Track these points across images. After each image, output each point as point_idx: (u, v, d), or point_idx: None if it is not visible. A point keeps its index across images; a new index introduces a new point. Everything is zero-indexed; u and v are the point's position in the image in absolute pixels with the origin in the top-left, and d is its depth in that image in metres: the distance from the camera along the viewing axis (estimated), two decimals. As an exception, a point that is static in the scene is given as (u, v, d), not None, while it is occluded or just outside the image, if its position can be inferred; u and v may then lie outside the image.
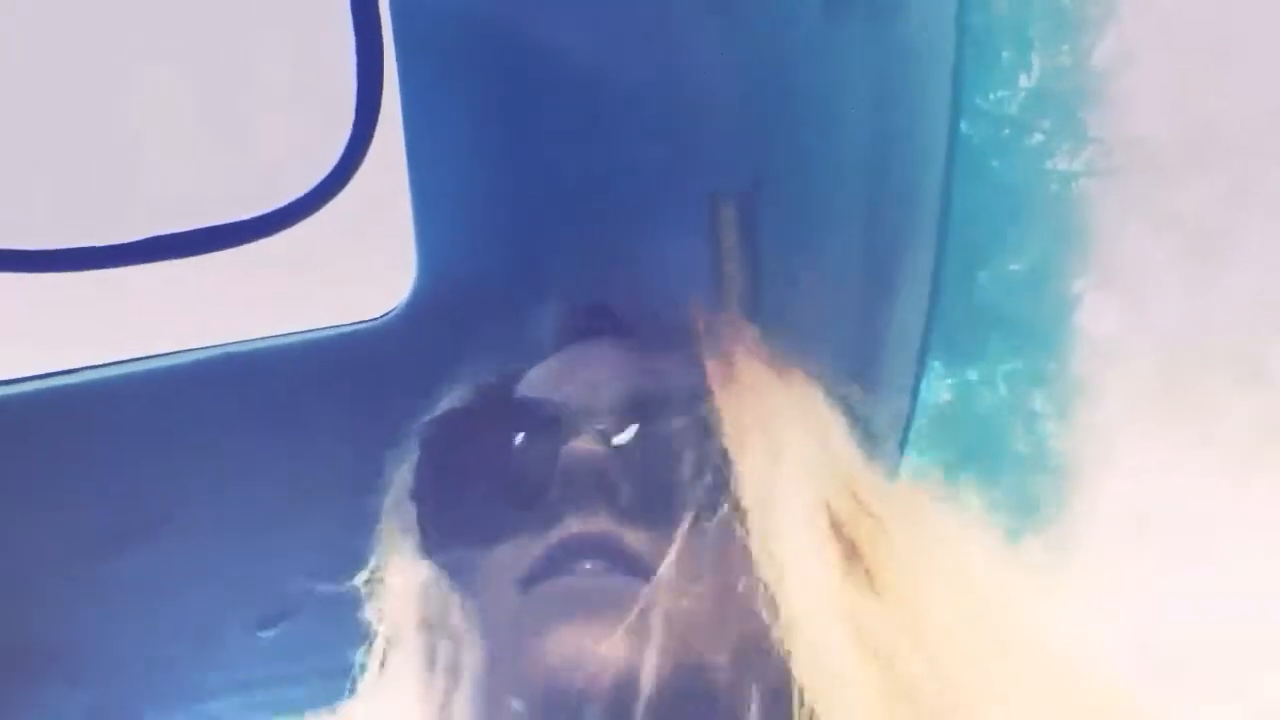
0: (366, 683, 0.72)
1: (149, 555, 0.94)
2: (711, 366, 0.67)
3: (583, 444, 0.62)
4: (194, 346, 0.92)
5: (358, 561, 0.94)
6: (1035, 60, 1.06)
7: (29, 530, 0.91)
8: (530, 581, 0.61)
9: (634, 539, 0.61)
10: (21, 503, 0.91)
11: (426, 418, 0.71)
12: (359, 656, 0.72)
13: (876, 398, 0.96)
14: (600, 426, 0.63)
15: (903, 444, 1.01)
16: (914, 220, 0.96)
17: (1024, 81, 1.05)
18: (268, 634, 0.97)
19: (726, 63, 0.88)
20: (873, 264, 0.95)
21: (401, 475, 0.73)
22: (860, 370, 0.96)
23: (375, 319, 0.93)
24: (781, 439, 0.63)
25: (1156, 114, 1.05)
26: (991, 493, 1.10)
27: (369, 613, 0.72)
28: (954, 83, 0.94)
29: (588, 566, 0.60)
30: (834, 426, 0.68)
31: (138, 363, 0.91)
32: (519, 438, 0.65)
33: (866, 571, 0.60)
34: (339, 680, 1.02)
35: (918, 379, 1.01)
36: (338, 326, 0.93)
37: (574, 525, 0.61)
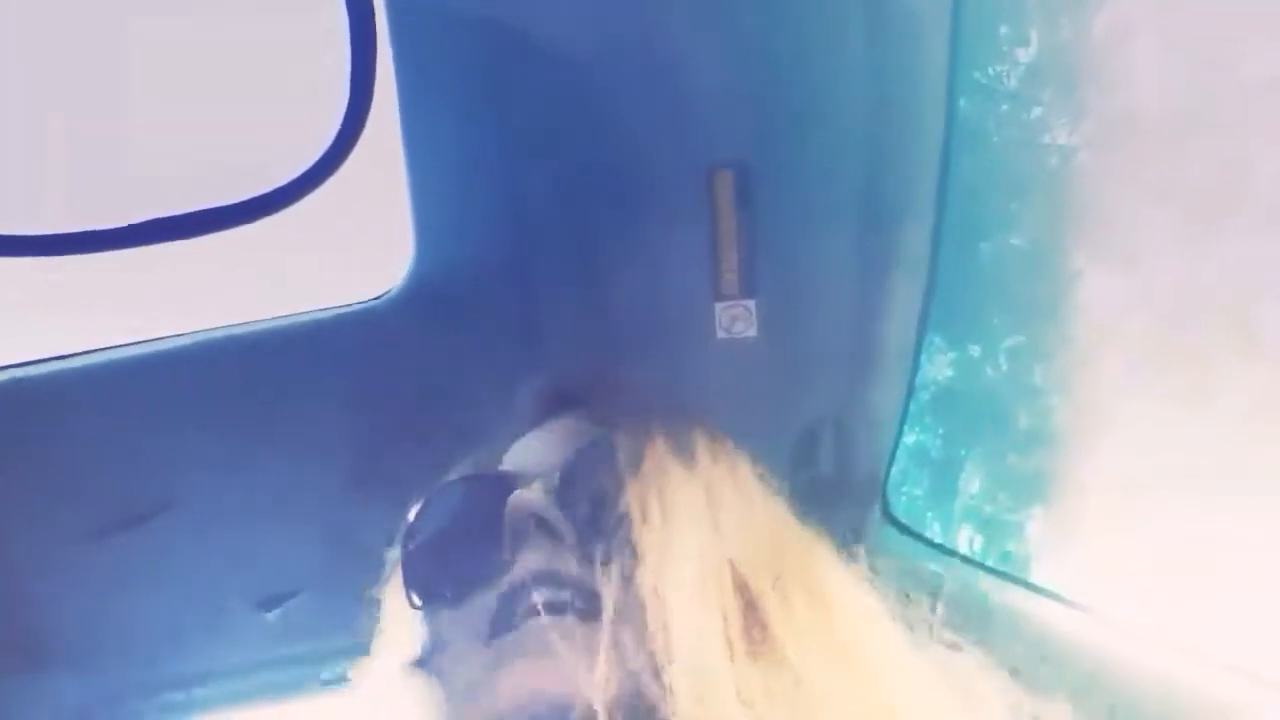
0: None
1: (151, 539, 0.94)
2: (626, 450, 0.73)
3: (517, 496, 0.69)
4: (193, 329, 0.92)
5: (358, 542, 0.94)
6: (1033, 35, 1.05)
7: (30, 515, 0.91)
8: (496, 626, 0.67)
9: (576, 570, 0.67)
10: (22, 488, 0.91)
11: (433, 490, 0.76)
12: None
13: (870, 386, 0.96)
14: (543, 482, 0.71)
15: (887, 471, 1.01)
16: (911, 195, 0.96)
17: (1022, 56, 1.05)
18: (271, 615, 0.97)
19: (721, 39, 0.88)
20: (870, 240, 0.94)
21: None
22: (857, 349, 0.96)
23: (374, 300, 0.93)
24: (674, 501, 0.70)
25: (1154, 87, 1.05)
26: (994, 468, 1.10)
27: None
28: (952, 58, 0.93)
29: (537, 600, 0.65)
30: (756, 494, 0.73)
31: (138, 346, 0.91)
32: (486, 506, 0.71)
33: (763, 627, 0.65)
34: (341, 661, 1.02)
35: (915, 363, 1.01)
36: (337, 307, 0.93)
37: (524, 561, 0.67)
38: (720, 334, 0.93)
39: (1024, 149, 1.04)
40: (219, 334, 0.92)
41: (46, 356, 0.91)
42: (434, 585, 0.71)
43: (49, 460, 0.92)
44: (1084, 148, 1.04)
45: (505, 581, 0.67)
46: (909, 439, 1.04)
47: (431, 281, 0.94)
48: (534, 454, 0.74)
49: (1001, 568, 0.98)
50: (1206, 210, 1.05)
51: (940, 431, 1.10)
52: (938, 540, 1.04)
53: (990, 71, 1.04)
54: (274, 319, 0.93)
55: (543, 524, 0.68)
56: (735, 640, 0.63)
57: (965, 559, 0.97)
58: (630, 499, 0.69)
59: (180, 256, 0.85)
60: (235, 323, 0.93)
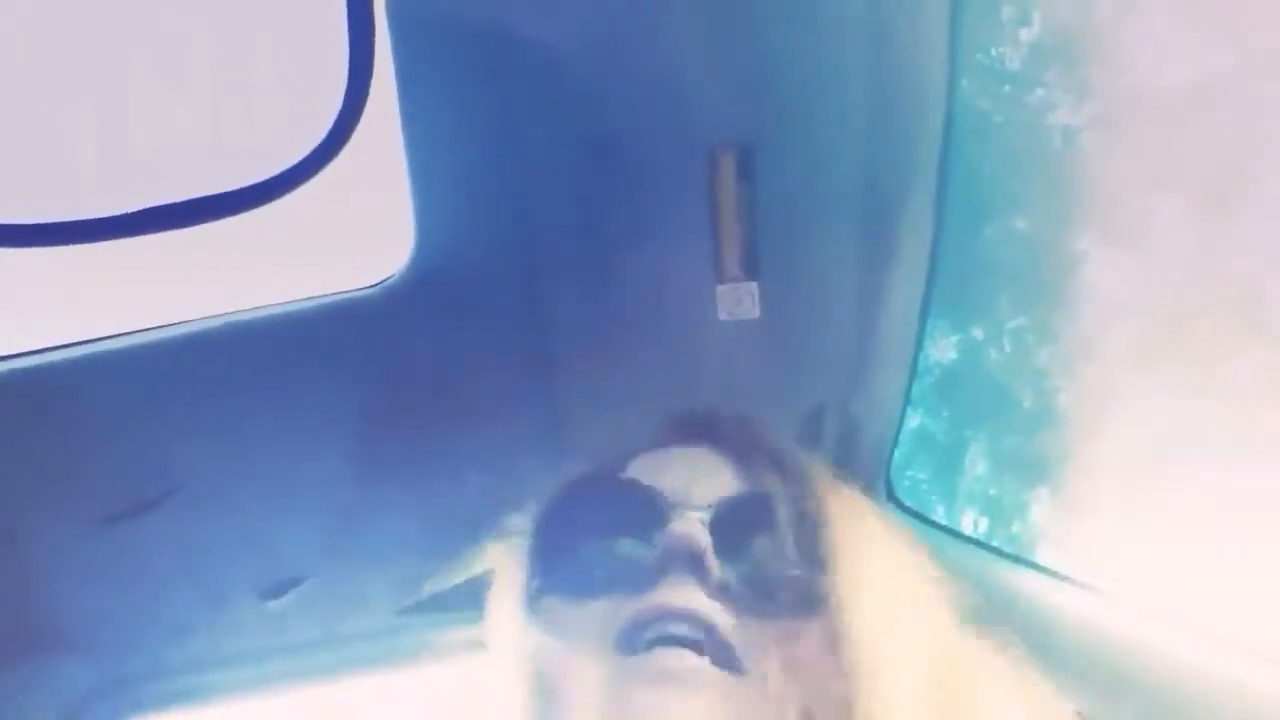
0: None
1: (155, 528, 0.94)
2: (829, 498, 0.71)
3: (681, 526, 0.68)
4: (192, 317, 0.92)
5: (359, 530, 0.95)
6: (1036, 15, 1.05)
7: (37, 503, 0.92)
8: (622, 641, 0.66)
9: (723, 619, 0.66)
10: (28, 476, 0.91)
11: (554, 487, 0.75)
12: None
13: (873, 369, 0.96)
14: (701, 516, 0.69)
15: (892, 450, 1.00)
16: (914, 178, 0.95)
17: (1025, 36, 1.04)
18: (276, 604, 0.97)
19: (722, 22, 0.87)
20: (873, 222, 0.94)
21: (515, 523, 0.76)
22: (860, 331, 0.96)
23: (374, 285, 0.93)
24: (896, 600, 0.68)
25: (1158, 66, 1.04)
26: (1000, 451, 1.10)
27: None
28: (954, 39, 0.93)
29: (673, 632, 0.64)
30: (938, 601, 0.71)
31: (139, 334, 0.91)
32: (626, 513, 0.70)
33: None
34: (346, 649, 1.03)
35: (919, 346, 1.00)
36: (339, 293, 0.93)
37: (667, 595, 0.66)
38: (723, 316, 0.93)
39: (1027, 130, 1.04)
40: (221, 322, 0.92)
41: (49, 346, 0.91)
42: (565, 572, 0.70)
43: (54, 448, 0.92)
44: (1088, 128, 1.04)
45: (645, 603, 0.66)
46: (913, 422, 1.04)
47: (432, 267, 0.93)
48: (680, 478, 0.72)
49: (1007, 549, 0.97)
50: (1212, 190, 1.04)
51: (945, 414, 1.09)
52: (943, 523, 1.04)
53: (993, 52, 1.04)
54: (276, 305, 0.93)
55: (698, 564, 0.66)
56: None
57: (971, 541, 0.97)
58: (829, 576, 0.67)
59: (180, 244, 0.85)
60: (236, 310, 0.93)
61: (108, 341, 0.91)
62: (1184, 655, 0.79)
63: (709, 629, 0.64)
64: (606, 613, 0.67)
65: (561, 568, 0.71)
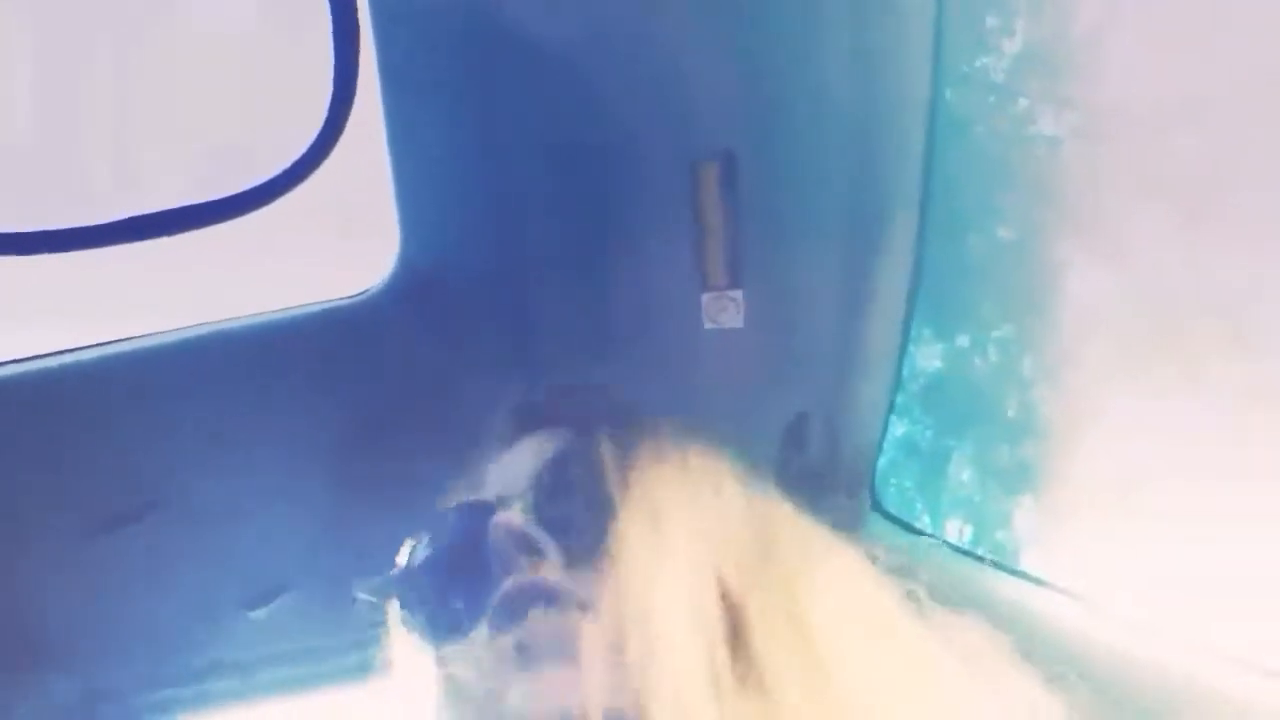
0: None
1: (140, 538, 0.93)
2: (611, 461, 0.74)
3: (500, 518, 0.72)
4: (177, 326, 0.91)
5: (343, 540, 0.94)
6: (1019, 26, 1.05)
7: (21, 514, 0.91)
8: (491, 635, 0.69)
9: (564, 582, 0.69)
10: (11, 488, 0.90)
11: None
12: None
13: (857, 377, 0.96)
14: (518, 503, 0.73)
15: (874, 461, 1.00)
16: (899, 187, 0.96)
17: (1008, 47, 1.05)
18: (259, 614, 0.96)
19: (707, 31, 0.88)
20: (858, 231, 0.94)
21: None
22: (845, 340, 0.96)
23: (359, 295, 0.93)
24: (663, 511, 0.70)
25: (1140, 77, 1.05)
26: (985, 459, 1.10)
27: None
28: (938, 49, 0.93)
29: (534, 607, 0.68)
30: (738, 494, 0.73)
31: (123, 343, 0.91)
32: (467, 534, 0.74)
33: (748, 656, 0.64)
34: (330, 659, 1.02)
35: (903, 355, 1.00)
36: (323, 303, 0.93)
37: (512, 581, 0.70)
38: (707, 325, 0.93)
39: (1011, 140, 1.04)
40: (204, 330, 0.92)
41: (31, 355, 0.90)
42: (438, 630, 0.73)
43: (37, 460, 0.91)
44: (1071, 139, 1.04)
45: (497, 597, 0.69)
46: (898, 430, 1.04)
47: (417, 276, 0.94)
48: (510, 474, 0.76)
49: (991, 557, 0.97)
50: (1194, 201, 1.05)
51: (929, 422, 1.10)
52: (927, 531, 1.04)
53: (976, 63, 1.04)
54: (260, 315, 0.93)
55: (523, 541, 0.70)
56: (721, 674, 0.63)
57: (955, 549, 0.97)
58: (617, 506, 0.70)
59: (164, 253, 0.85)
60: (220, 319, 0.92)
61: (90, 351, 0.91)
62: (1169, 663, 0.79)
63: (557, 592, 0.68)
64: (479, 634, 0.70)
65: (430, 610, 0.73)
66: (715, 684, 0.63)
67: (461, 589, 0.72)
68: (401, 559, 0.76)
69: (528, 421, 0.81)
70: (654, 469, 0.72)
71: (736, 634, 0.65)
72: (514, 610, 0.68)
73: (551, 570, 0.70)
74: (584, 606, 0.67)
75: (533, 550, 0.70)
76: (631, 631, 0.65)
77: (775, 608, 0.66)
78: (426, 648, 0.74)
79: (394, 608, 0.76)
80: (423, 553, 0.75)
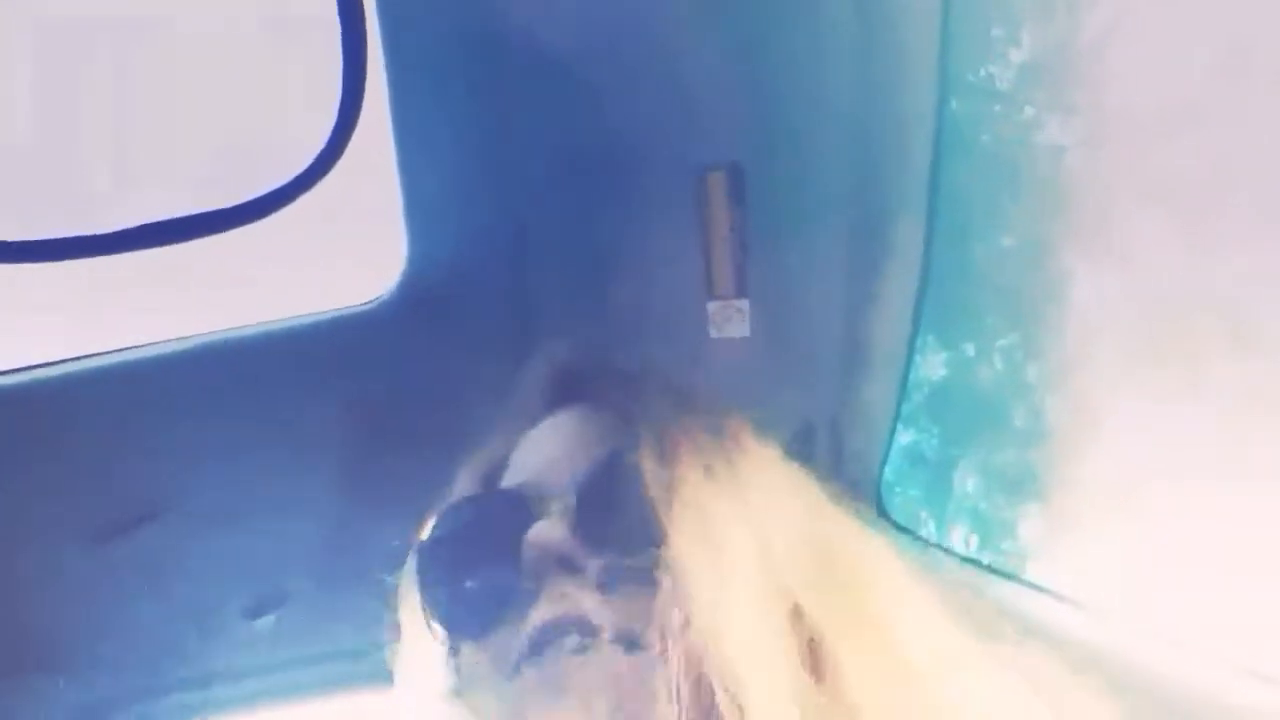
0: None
1: (147, 544, 0.93)
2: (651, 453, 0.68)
3: (538, 533, 0.65)
4: (185, 334, 0.91)
5: (348, 548, 0.94)
6: (1025, 35, 1.06)
7: (27, 520, 0.91)
8: (522, 665, 0.64)
9: (607, 607, 0.63)
10: (18, 493, 0.90)
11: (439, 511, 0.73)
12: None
13: (863, 386, 0.96)
14: (559, 507, 0.66)
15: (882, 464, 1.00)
16: (904, 196, 0.96)
17: (1014, 56, 1.05)
18: (260, 622, 0.96)
19: (713, 40, 0.88)
20: (863, 240, 0.94)
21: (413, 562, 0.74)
22: (850, 349, 0.96)
23: (368, 303, 0.93)
24: (717, 523, 0.64)
25: (1143, 86, 1.05)
26: (989, 466, 1.10)
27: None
28: (943, 59, 0.94)
29: (564, 641, 0.62)
30: (791, 489, 0.69)
31: (130, 351, 0.91)
32: (493, 534, 0.67)
33: (824, 660, 0.60)
34: (331, 666, 1.02)
35: (909, 363, 1.00)
36: (331, 311, 0.93)
37: (548, 602, 0.64)
38: (713, 334, 0.93)
39: (1016, 149, 1.05)
40: (212, 339, 0.92)
41: (39, 363, 0.90)
42: (456, 617, 0.68)
43: (44, 466, 0.91)
44: (1076, 147, 1.05)
45: (531, 620, 0.64)
46: (904, 439, 1.04)
47: (425, 284, 0.94)
48: (545, 461, 0.70)
49: (997, 565, 0.98)
50: (1197, 207, 1.05)
51: (935, 431, 1.10)
52: (933, 540, 1.04)
53: (982, 72, 1.05)
54: (268, 323, 0.93)
55: (564, 562, 0.64)
56: (808, 706, 0.58)
57: (962, 558, 0.97)
58: (668, 526, 0.64)
59: (170, 260, 0.85)
60: (228, 327, 0.92)
61: (97, 359, 0.91)
62: (1172, 668, 0.80)
63: (595, 625, 0.62)
64: (504, 640, 0.65)
65: (451, 607, 0.69)
66: (803, 694, 0.58)
67: (485, 595, 0.67)
68: (424, 533, 0.71)
69: (554, 392, 0.75)
70: (701, 471, 0.66)
71: (816, 661, 0.60)
72: (546, 644, 0.63)
73: (589, 596, 0.63)
74: (628, 642, 0.62)
75: (574, 572, 0.64)
76: (695, 667, 0.60)
77: (853, 630, 0.61)
78: (441, 651, 0.69)
79: (411, 589, 0.71)
80: (447, 527, 0.70)
